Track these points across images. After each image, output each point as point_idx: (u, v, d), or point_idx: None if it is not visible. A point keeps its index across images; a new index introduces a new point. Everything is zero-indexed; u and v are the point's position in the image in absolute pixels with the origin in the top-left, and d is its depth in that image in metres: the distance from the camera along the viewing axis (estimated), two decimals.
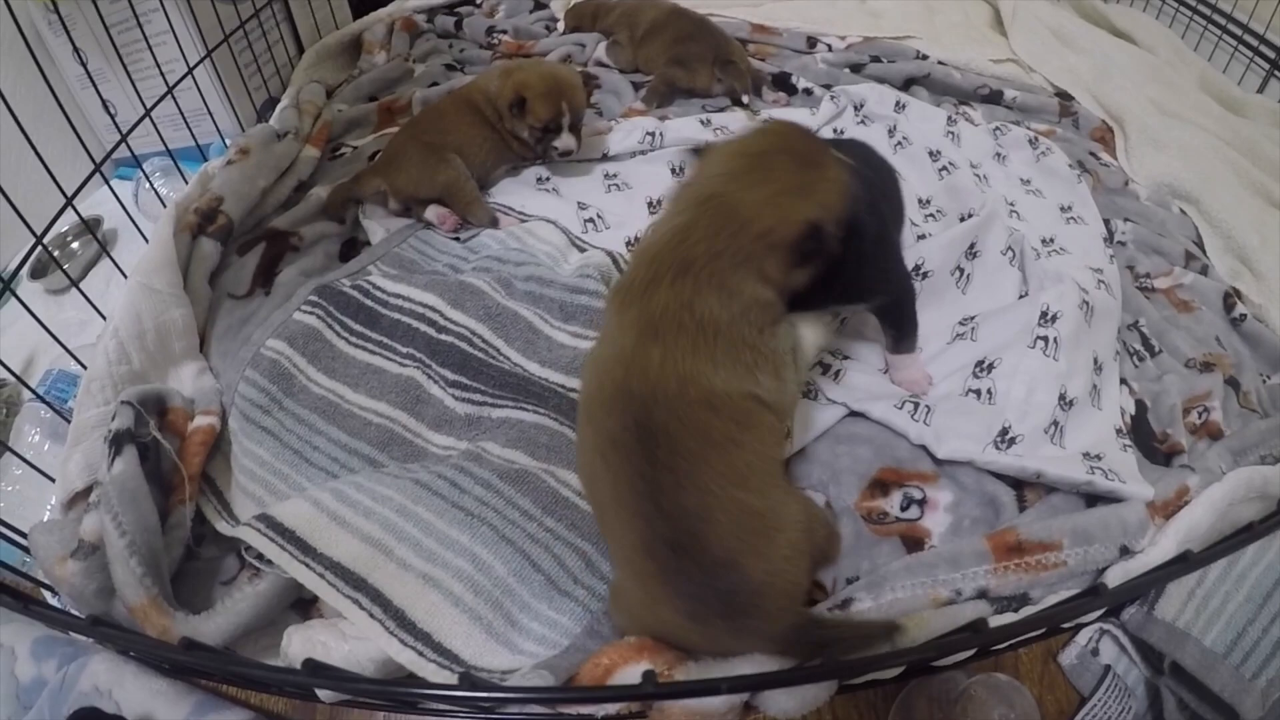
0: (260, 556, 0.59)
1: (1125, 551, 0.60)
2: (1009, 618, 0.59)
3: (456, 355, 0.73)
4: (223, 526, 0.65)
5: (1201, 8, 1.50)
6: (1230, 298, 0.94)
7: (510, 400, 0.70)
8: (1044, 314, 0.77)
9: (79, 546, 0.61)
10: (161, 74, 0.98)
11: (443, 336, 0.74)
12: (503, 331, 0.74)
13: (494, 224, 0.93)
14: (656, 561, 0.47)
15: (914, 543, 0.63)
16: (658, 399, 0.48)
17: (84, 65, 0.98)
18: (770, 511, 0.50)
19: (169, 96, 0.97)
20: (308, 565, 0.56)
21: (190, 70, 1.01)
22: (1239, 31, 1.43)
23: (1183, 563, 0.48)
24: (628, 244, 0.87)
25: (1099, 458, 0.68)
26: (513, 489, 0.60)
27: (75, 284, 0.80)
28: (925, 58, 1.31)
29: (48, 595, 0.67)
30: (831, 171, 0.56)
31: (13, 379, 0.72)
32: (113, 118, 1.12)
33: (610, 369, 0.51)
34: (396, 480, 0.61)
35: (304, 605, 0.62)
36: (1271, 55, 1.36)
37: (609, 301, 0.56)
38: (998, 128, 1.18)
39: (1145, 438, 0.76)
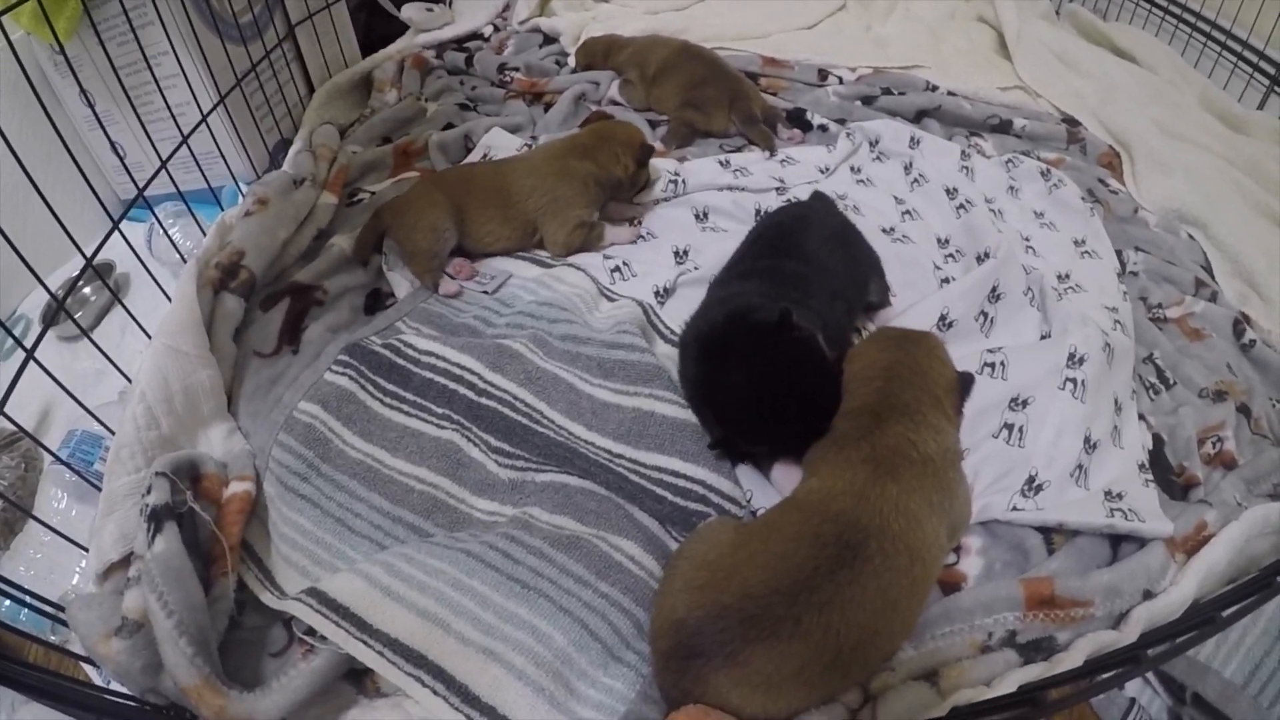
0: (311, 631, 0.59)
1: (1148, 595, 0.63)
2: (1040, 667, 0.60)
3: (501, 422, 0.73)
4: (268, 599, 0.64)
5: (1201, 24, 1.47)
6: (1240, 324, 0.94)
7: (555, 466, 0.70)
8: (1071, 356, 0.78)
9: (123, 624, 0.60)
10: (173, 118, 0.96)
11: (484, 400, 0.74)
12: (544, 394, 0.74)
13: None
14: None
15: (950, 586, 0.66)
16: (880, 535, 0.55)
17: (91, 107, 0.97)
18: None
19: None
20: (365, 642, 0.56)
21: (204, 118, 0.99)
22: (1239, 48, 1.41)
23: (1211, 625, 0.50)
24: (656, 294, 0.87)
25: (1120, 496, 0.70)
26: (565, 556, 0.61)
27: (87, 334, 0.78)
28: (935, 89, 1.32)
29: (87, 668, 0.66)
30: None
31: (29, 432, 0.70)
32: (122, 159, 1.11)
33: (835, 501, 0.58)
34: (448, 551, 0.61)
35: (356, 675, 0.61)
36: (1271, 71, 1.35)
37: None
38: (1009, 159, 1.18)
39: (1163, 471, 0.78)
